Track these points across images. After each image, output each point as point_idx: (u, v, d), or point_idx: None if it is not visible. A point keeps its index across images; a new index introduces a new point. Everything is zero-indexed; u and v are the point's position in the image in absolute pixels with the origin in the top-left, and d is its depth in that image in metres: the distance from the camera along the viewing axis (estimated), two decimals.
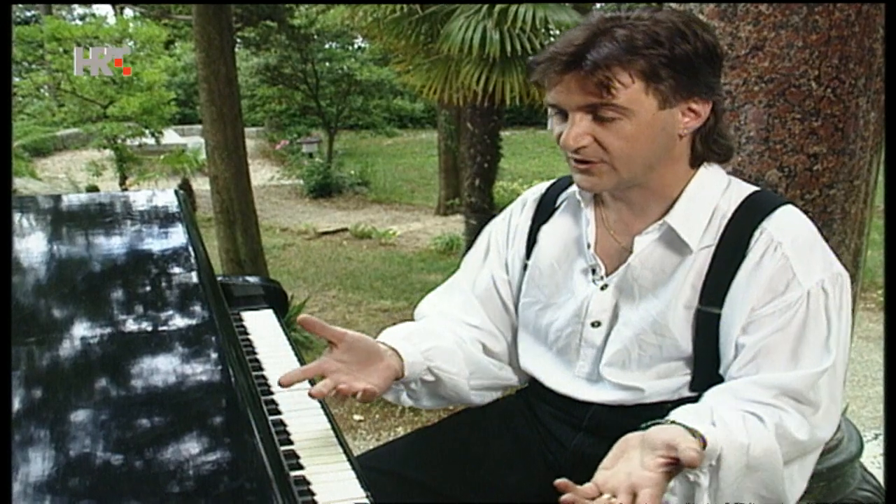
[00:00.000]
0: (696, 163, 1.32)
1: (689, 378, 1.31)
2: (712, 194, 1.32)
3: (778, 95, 1.83)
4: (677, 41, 1.20)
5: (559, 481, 1.05)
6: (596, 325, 1.37)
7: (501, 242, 1.53)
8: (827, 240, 1.89)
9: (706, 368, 1.29)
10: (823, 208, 1.87)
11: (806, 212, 1.86)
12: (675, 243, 1.31)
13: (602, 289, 1.37)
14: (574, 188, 1.43)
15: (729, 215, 1.30)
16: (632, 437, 1.12)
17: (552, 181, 1.54)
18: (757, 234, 1.26)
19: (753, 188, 1.35)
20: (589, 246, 1.39)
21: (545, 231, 1.47)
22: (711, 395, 1.24)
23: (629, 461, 1.09)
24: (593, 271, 1.38)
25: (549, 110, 1.29)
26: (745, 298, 1.24)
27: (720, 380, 1.27)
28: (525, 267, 1.48)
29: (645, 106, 1.21)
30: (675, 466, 1.06)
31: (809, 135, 1.84)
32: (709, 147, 1.31)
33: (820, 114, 1.83)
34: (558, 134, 1.27)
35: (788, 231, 1.27)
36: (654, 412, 1.26)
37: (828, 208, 1.87)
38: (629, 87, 1.20)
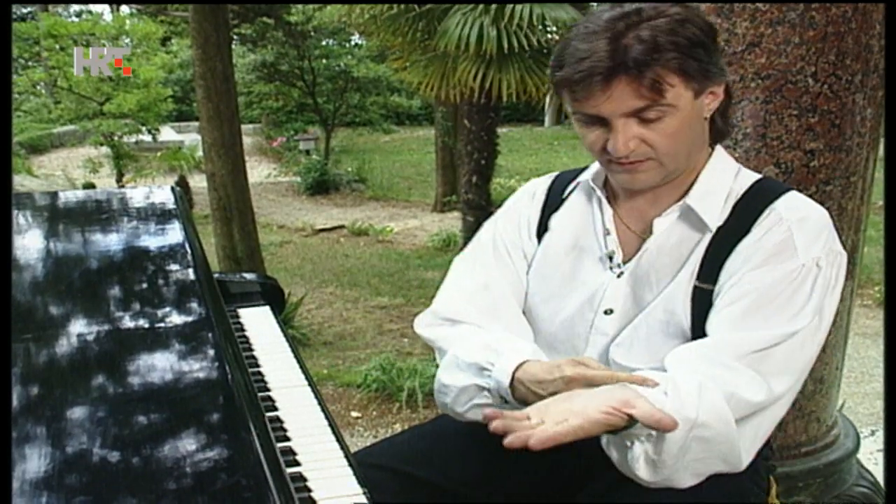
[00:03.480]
0: (715, 140, 1.37)
1: None
2: (726, 177, 1.35)
3: (775, 92, 1.83)
4: (691, 29, 1.22)
5: (487, 411, 1.07)
6: (609, 312, 1.38)
7: (515, 236, 1.51)
8: None
9: None
10: (820, 204, 1.87)
11: None
12: (693, 224, 1.33)
13: (618, 276, 1.37)
14: (584, 177, 1.45)
15: (739, 196, 1.33)
16: (583, 389, 1.14)
17: (553, 175, 1.55)
18: (766, 212, 1.29)
19: (760, 175, 1.39)
20: (608, 232, 1.40)
21: (557, 219, 1.47)
22: (674, 360, 1.24)
23: (571, 401, 1.10)
24: (610, 258, 1.39)
25: (581, 118, 1.28)
26: (741, 267, 1.26)
27: None
28: (534, 256, 1.49)
29: (684, 99, 1.24)
30: (622, 420, 1.06)
31: (806, 131, 1.84)
32: (726, 123, 1.37)
33: (816, 110, 1.83)
34: (597, 140, 1.28)
35: (798, 212, 1.29)
36: None
37: (824, 204, 1.85)
38: (675, 85, 1.22)
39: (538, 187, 1.53)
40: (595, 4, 6.61)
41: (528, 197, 1.53)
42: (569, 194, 1.48)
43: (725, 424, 1.16)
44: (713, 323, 1.26)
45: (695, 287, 1.30)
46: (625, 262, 1.38)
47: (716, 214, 1.32)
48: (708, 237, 1.31)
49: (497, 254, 1.50)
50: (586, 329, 1.40)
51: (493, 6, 6.01)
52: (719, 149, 1.38)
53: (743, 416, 1.19)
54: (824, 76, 1.81)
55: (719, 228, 1.31)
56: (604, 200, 1.42)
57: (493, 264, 1.50)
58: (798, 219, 1.28)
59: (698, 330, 1.29)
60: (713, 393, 1.16)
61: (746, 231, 1.29)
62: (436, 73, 6.44)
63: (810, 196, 1.84)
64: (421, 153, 16.98)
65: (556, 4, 6.18)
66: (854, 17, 1.79)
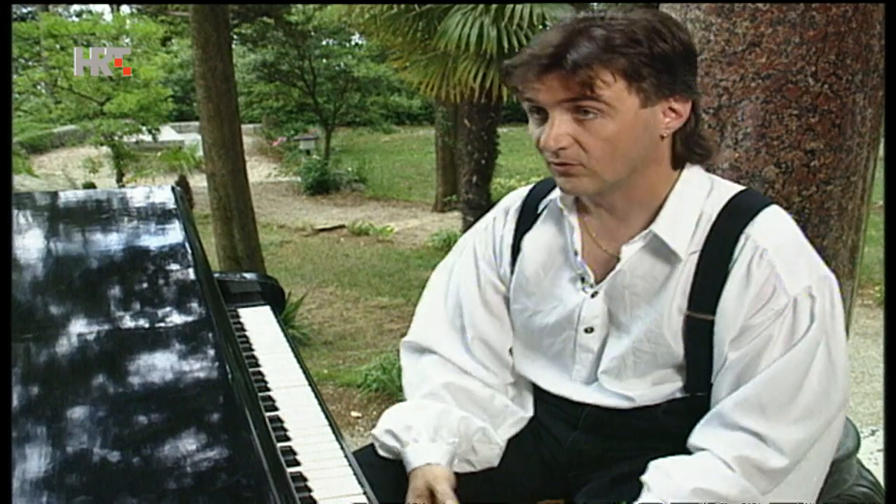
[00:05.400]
0: (677, 164, 1.31)
1: (681, 384, 1.32)
2: (696, 199, 1.30)
3: (775, 91, 1.83)
4: (655, 40, 1.19)
5: None
6: (589, 330, 1.37)
7: (489, 258, 1.50)
8: (824, 236, 1.89)
9: (699, 373, 1.29)
10: (820, 205, 1.87)
11: (803, 208, 1.86)
12: (662, 252, 1.29)
13: (592, 296, 1.35)
14: (555, 194, 1.40)
15: (713, 219, 1.28)
16: None
17: (530, 187, 1.51)
18: (742, 240, 1.25)
19: (736, 188, 1.33)
20: (576, 254, 1.36)
21: (529, 239, 1.44)
22: (696, 438, 1.26)
23: None
24: (581, 279, 1.37)
25: (529, 112, 1.27)
26: (736, 310, 1.24)
27: (710, 384, 1.28)
28: (512, 275, 1.46)
29: (627, 104, 1.20)
30: None
31: (806, 131, 1.84)
32: (689, 148, 1.30)
33: (817, 110, 1.83)
34: (538, 136, 1.25)
35: (773, 237, 1.25)
36: (646, 413, 1.33)
37: (825, 205, 1.87)
38: (611, 85, 1.18)
39: (512, 206, 1.50)
40: (595, 5, 6.62)
41: (502, 216, 1.50)
42: (542, 210, 1.45)
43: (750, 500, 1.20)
44: (725, 390, 1.25)
45: (688, 317, 1.28)
46: (598, 282, 1.35)
47: (685, 241, 1.27)
48: (684, 264, 1.27)
49: (473, 275, 1.50)
50: (572, 346, 1.39)
51: (493, 6, 6.01)
52: (689, 168, 1.32)
53: (769, 486, 1.23)
54: (824, 76, 1.81)
55: (702, 253, 1.27)
56: (573, 221, 1.38)
57: (467, 286, 1.50)
58: (774, 247, 1.24)
59: (693, 358, 1.29)
60: (730, 475, 1.20)
61: (728, 258, 1.25)
62: (436, 72, 6.45)
63: (810, 196, 1.85)
64: (421, 153, 16.97)
65: (556, 4, 6.18)
66: (854, 17, 1.79)
